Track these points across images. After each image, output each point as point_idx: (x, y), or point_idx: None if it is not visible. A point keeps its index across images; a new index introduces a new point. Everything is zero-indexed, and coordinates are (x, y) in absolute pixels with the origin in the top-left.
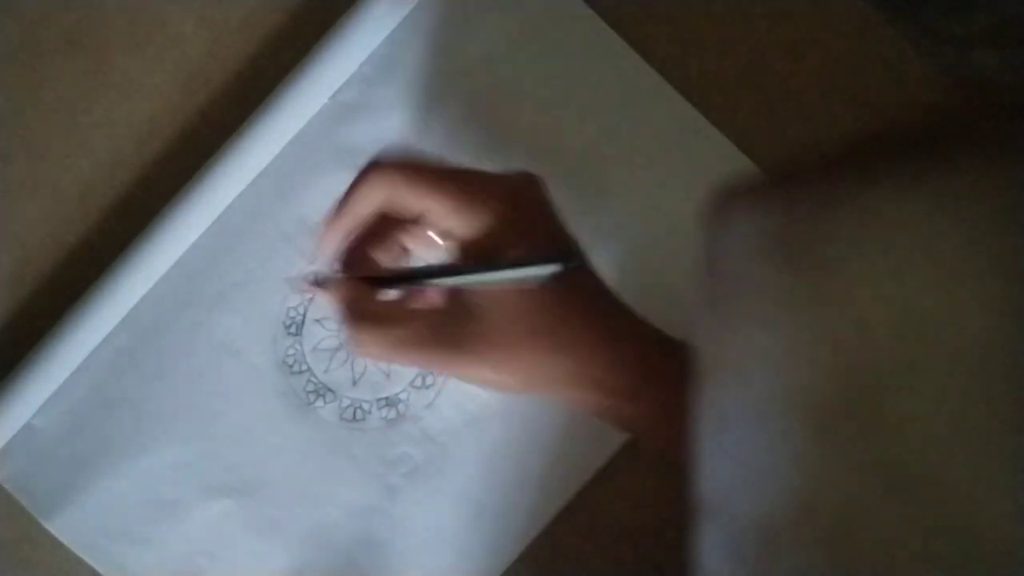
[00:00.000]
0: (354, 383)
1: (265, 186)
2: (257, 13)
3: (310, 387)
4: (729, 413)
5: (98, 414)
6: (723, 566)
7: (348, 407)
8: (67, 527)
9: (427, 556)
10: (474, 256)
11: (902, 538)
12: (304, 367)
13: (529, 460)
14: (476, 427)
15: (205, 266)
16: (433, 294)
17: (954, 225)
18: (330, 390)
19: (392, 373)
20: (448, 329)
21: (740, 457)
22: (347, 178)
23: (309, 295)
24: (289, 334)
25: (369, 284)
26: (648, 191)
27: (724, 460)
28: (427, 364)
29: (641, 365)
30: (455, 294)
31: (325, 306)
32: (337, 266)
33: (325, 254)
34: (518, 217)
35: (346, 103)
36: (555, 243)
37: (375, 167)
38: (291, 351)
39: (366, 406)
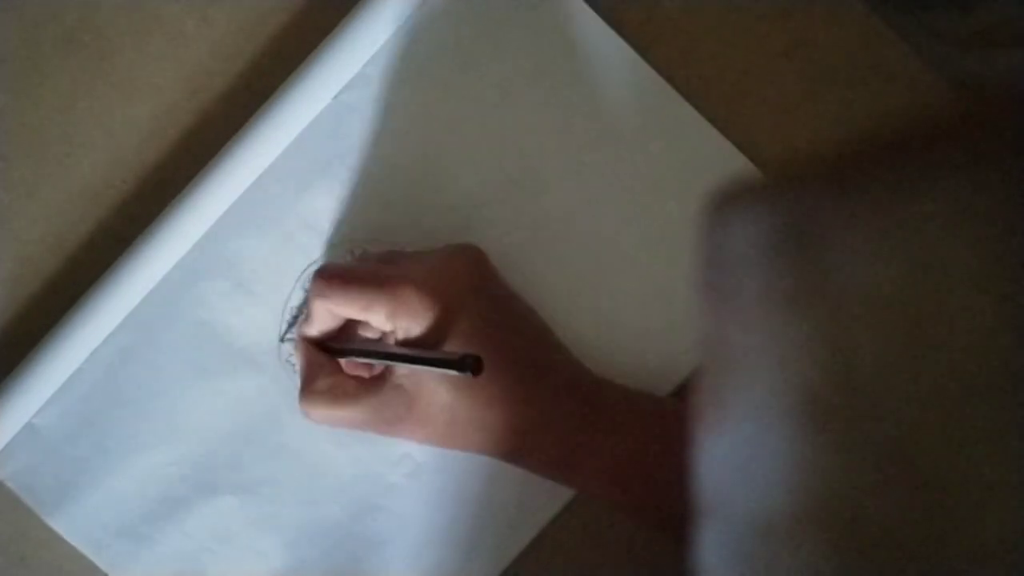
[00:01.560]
0: None
1: (267, 186)
2: (260, 13)
3: None
4: (729, 413)
5: (100, 413)
6: (723, 566)
7: None
8: (70, 525)
9: (428, 555)
10: (412, 344)
11: (903, 536)
12: None
13: None
14: None
15: (207, 266)
16: (379, 369)
17: (954, 225)
18: None
19: None
20: (384, 412)
21: (740, 456)
22: (348, 179)
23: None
24: (292, 334)
25: (327, 355)
26: (648, 191)
27: (724, 460)
28: (367, 433)
29: (565, 443)
30: (398, 376)
31: None
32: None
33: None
34: (444, 319)
35: (349, 104)
36: (459, 347)
37: (315, 282)
38: (294, 350)
39: None
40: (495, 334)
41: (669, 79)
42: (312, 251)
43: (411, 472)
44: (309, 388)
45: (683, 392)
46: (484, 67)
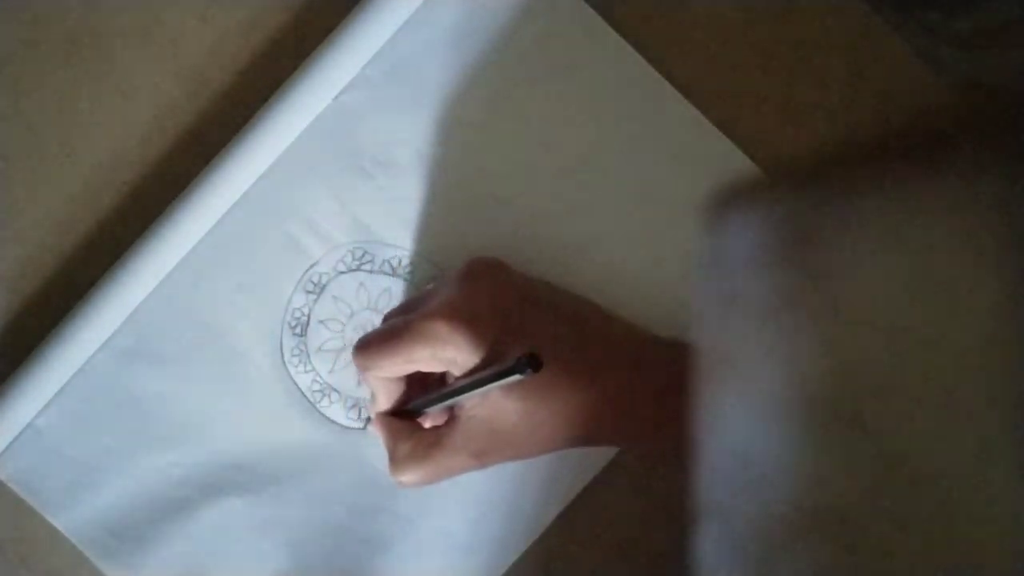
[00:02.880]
0: (359, 383)
1: (268, 187)
2: (260, 13)
3: (315, 387)
4: (729, 413)
5: (102, 414)
6: (723, 566)
7: (353, 407)
8: (72, 526)
9: (431, 556)
10: (472, 373)
11: (902, 538)
12: (309, 367)
13: (532, 461)
14: None
15: (209, 267)
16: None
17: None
18: (335, 390)
19: None
20: (470, 447)
21: (741, 456)
22: (350, 180)
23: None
24: (294, 335)
25: (405, 420)
26: (648, 191)
27: (725, 459)
28: (464, 473)
29: (642, 411)
30: (469, 409)
31: (329, 307)
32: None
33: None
34: (487, 337)
35: (350, 105)
36: (513, 354)
37: (356, 360)
38: (296, 351)
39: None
40: (539, 329)
41: (669, 78)
42: (313, 252)
43: None
44: (393, 459)
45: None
46: (484, 67)
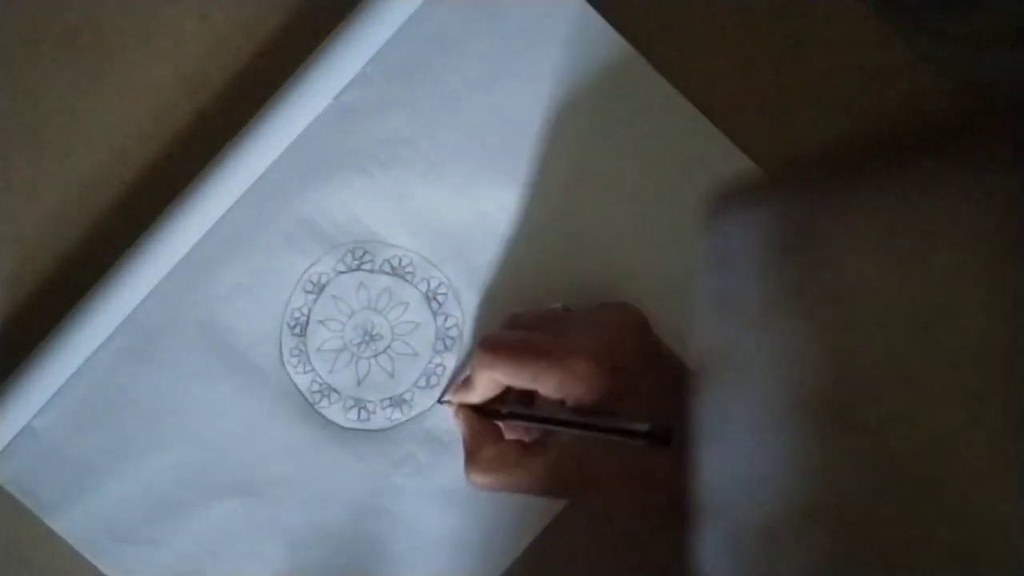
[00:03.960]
0: (359, 383)
1: (268, 187)
2: (260, 13)
3: (315, 387)
4: (729, 413)
5: (100, 415)
6: (723, 566)
7: (353, 407)
8: (71, 527)
9: (431, 555)
10: (584, 412)
11: (902, 538)
12: (309, 367)
13: None
14: None
15: (208, 267)
16: (537, 432)
17: (954, 225)
18: (335, 390)
19: (397, 374)
20: (552, 477)
21: (740, 457)
22: (350, 179)
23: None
24: (293, 335)
25: (489, 423)
26: (649, 190)
27: (724, 460)
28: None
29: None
30: (562, 440)
31: (329, 307)
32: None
33: (455, 421)
34: (615, 387)
35: (350, 104)
36: (647, 417)
37: (481, 354)
38: (295, 351)
39: (371, 406)
40: (662, 399)
41: (670, 78)
42: (313, 252)
43: (413, 473)
44: (475, 458)
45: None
46: (485, 66)
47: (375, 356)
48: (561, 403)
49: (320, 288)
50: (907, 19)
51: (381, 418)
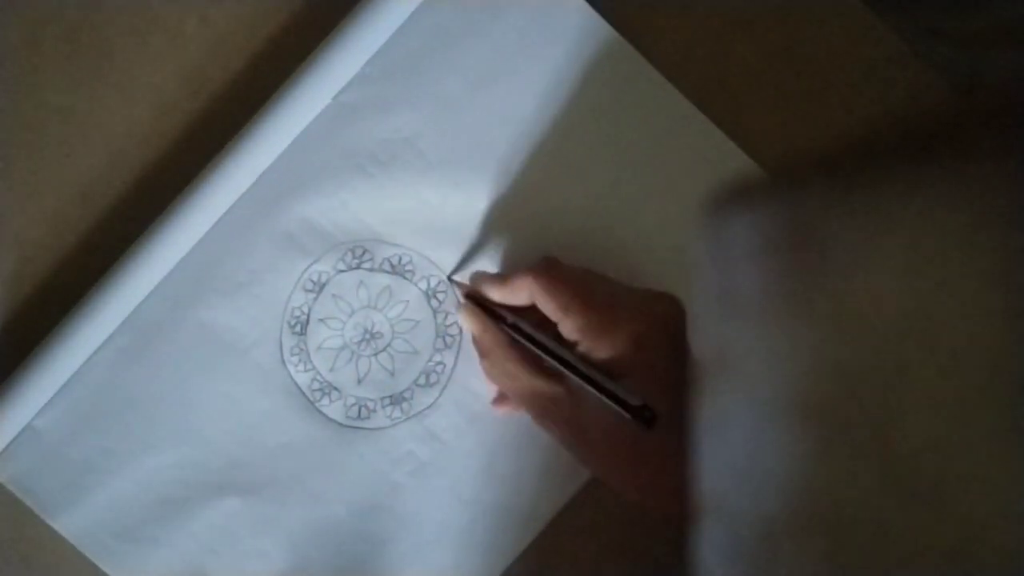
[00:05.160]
0: (359, 381)
1: (268, 187)
2: (259, 13)
3: (315, 386)
4: (729, 413)
5: (101, 414)
6: (723, 565)
7: (353, 405)
8: (72, 527)
9: (432, 553)
10: (592, 365)
11: (902, 538)
12: (309, 366)
13: (532, 458)
14: (480, 425)
15: (208, 266)
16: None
17: (954, 225)
18: (335, 388)
19: (397, 372)
20: (562, 404)
21: (740, 456)
22: (349, 178)
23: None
24: (294, 333)
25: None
26: (649, 190)
27: (724, 460)
28: (549, 430)
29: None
30: (576, 395)
31: (329, 306)
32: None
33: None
34: (637, 359)
35: (349, 104)
36: (658, 395)
37: (543, 268)
38: (296, 350)
39: (371, 404)
40: (674, 390)
41: (670, 77)
42: (312, 251)
43: (414, 471)
44: (492, 357)
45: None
46: (484, 66)
47: (375, 354)
48: (567, 345)
49: (320, 287)
50: (907, 19)
51: (381, 416)
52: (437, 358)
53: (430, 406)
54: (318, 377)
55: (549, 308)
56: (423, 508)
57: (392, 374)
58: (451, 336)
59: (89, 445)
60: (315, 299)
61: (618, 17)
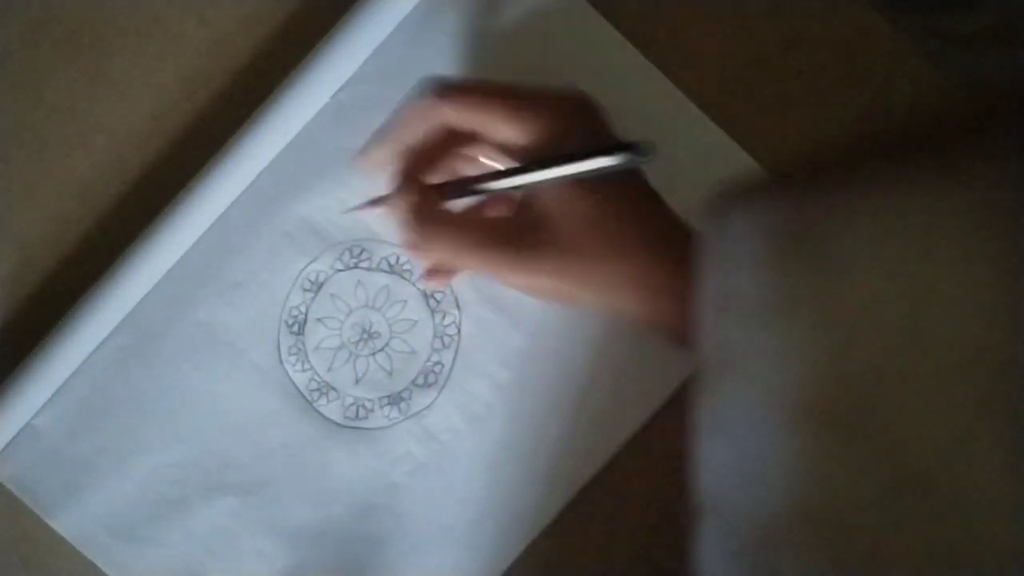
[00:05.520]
0: (357, 381)
1: (266, 185)
2: (258, 12)
3: (313, 385)
4: (729, 413)
5: (100, 414)
6: (723, 565)
7: (351, 405)
8: (71, 526)
9: (430, 554)
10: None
11: (902, 537)
12: (307, 366)
13: (531, 459)
14: (479, 426)
15: (207, 266)
16: (500, 204)
17: (953, 226)
18: (333, 388)
19: (395, 372)
20: (513, 236)
21: (740, 457)
22: (347, 177)
23: (369, 213)
24: (291, 333)
25: (433, 193)
26: None
27: (724, 460)
28: (489, 268)
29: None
30: (523, 204)
31: (327, 305)
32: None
33: (375, 172)
34: (572, 120)
35: (347, 103)
36: (614, 139)
37: (432, 91)
38: (293, 350)
39: (369, 404)
40: (629, 187)
41: (671, 77)
42: (311, 250)
43: (412, 471)
44: (421, 217)
45: (683, 392)
46: (482, 66)
47: (373, 354)
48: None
49: (318, 286)
50: (907, 19)
51: (379, 416)
52: (435, 358)
53: (428, 406)
54: (316, 377)
55: (475, 123)
56: (421, 508)
57: (390, 374)
58: (449, 336)
59: (88, 444)
60: (313, 299)
61: (619, 17)
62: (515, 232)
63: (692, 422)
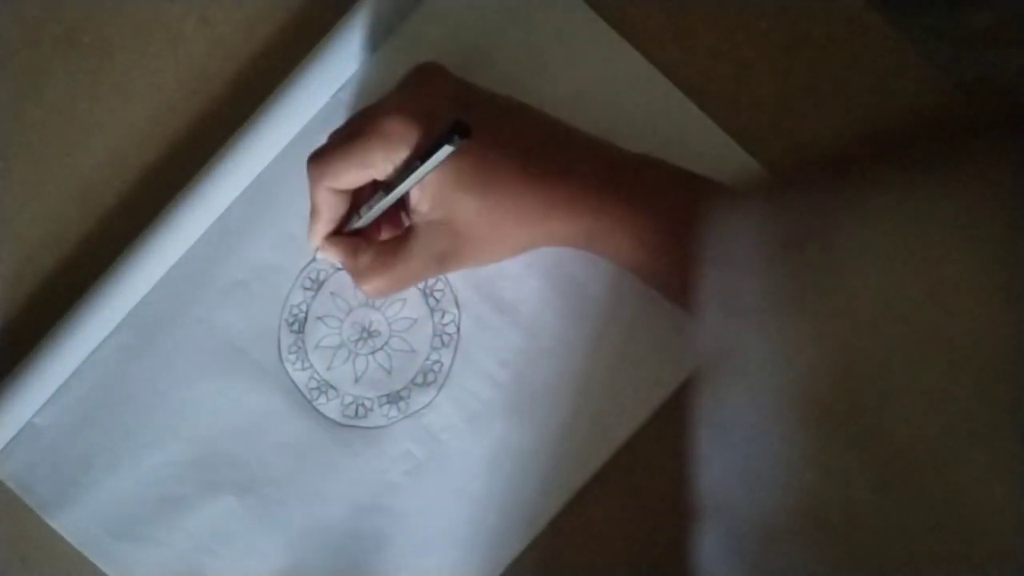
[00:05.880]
0: (356, 380)
1: (267, 185)
2: (258, 12)
3: (312, 384)
4: (730, 413)
5: (100, 412)
6: (723, 565)
7: (350, 404)
8: (70, 524)
9: (429, 553)
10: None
11: (902, 537)
12: (307, 364)
13: (530, 458)
14: (477, 425)
15: (207, 264)
16: (391, 226)
17: (954, 225)
18: (332, 387)
19: (394, 370)
20: (433, 250)
21: (741, 457)
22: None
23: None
24: (292, 331)
25: (354, 243)
26: None
27: (725, 460)
28: (428, 278)
29: (595, 213)
30: (424, 214)
31: (327, 304)
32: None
33: (324, 254)
34: (427, 126)
35: (347, 102)
36: (441, 125)
37: (311, 168)
38: (293, 348)
39: (368, 403)
40: (494, 123)
41: (671, 77)
42: (312, 250)
43: (411, 470)
44: (356, 270)
45: (683, 392)
46: (484, 66)
47: (373, 353)
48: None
49: (319, 285)
50: (907, 19)
51: (379, 415)
52: (434, 357)
53: (427, 405)
54: (315, 375)
55: (352, 178)
56: (420, 507)
57: (389, 373)
58: (448, 335)
59: (88, 443)
60: (313, 297)
61: (619, 18)
62: (425, 249)
63: (692, 422)
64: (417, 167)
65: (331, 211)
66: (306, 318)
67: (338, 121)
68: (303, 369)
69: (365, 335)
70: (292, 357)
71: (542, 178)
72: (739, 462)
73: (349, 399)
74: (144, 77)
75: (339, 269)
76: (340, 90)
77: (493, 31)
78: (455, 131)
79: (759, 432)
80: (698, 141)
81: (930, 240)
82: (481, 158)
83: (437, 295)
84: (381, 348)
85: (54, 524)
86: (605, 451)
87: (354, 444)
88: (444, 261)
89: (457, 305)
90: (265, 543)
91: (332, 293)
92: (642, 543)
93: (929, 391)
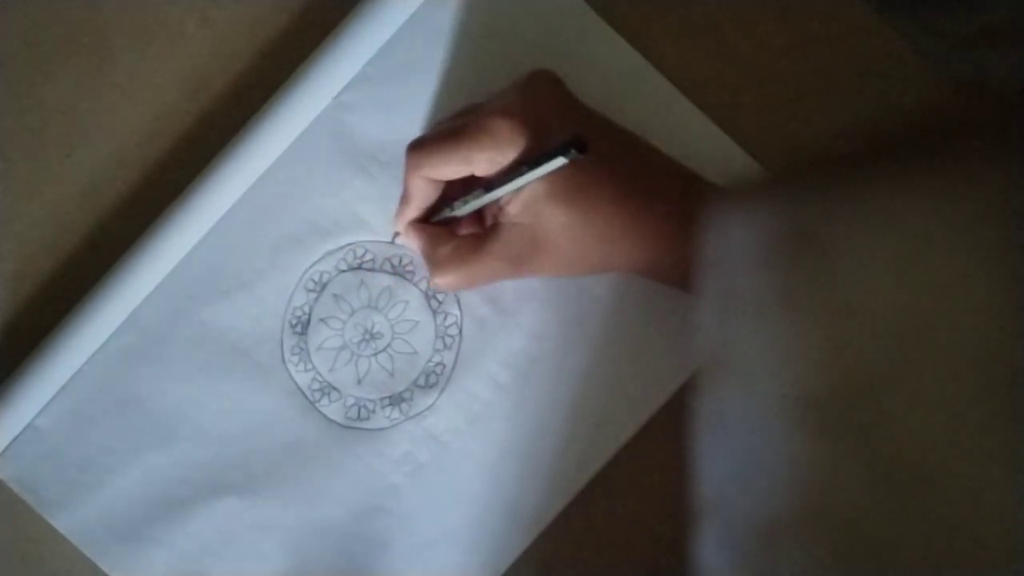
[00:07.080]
0: (359, 382)
1: (269, 186)
2: (260, 13)
3: (315, 386)
4: (730, 413)
5: (102, 413)
6: (724, 566)
7: (353, 406)
8: (72, 526)
9: (431, 555)
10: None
11: (902, 537)
12: (309, 366)
13: (532, 459)
14: (480, 426)
15: (210, 265)
16: (471, 223)
17: (953, 225)
18: (335, 389)
19: (396, 372)
20: (510, 252)
21: (741, 457)
22: (350, 178)
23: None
24: (295, 333)
25: (436, 232)
26: None
27: (725, 460)
28: (495, 282)
29: (671, 223)
30: (513, 215)
31: (330, 305)
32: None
33: (405, 239)
34: (543, 139)
35: (349, 104)
36: (559, 137)
37: (411, 156)
38: (296, 350)
39: (370, 405)
40: (594, 141)
41: (670, 77)
42: (314, 251)
43: (413, 471)
44: (434, 260)
45: (683, 393)
46: (484, 67)
47: (375, 355)
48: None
49: (322, 287)
50: (907, 19)
51: (381, 417)
52: (437, 359)
53: (429, 407)
54: (318, 377)
55: (451, 171)
56: (422, 509)
57: (392, 375)
58: (451, 337)
59: (90, 444)
60: (316, 299)
61: (618, 17)
62: (505, 250)
63: (692, 422)
64: (524, 172)
65: (422, 199)
66: (309, 320)
67: (341, 123)
68: (306, 371)
69: (368, 337)
70: (295, 359)
71: (631, 203)
72: (739, 462)
73: (351, 401)
74: (145, 78)
75: (343, 272)
76: (343, 91)
77: (494, 31)
78: (573, 145)
79: (759, 432)
80: (698, 141)
81: (930, 240)
82: (577, 173)
83: (439, 297)
84: (383, 350)
85: (56, 525)
86: (607, 452)
87: (356, 446)
88: (520, 265)
89: (459, 307)
90: (266, 544)
91: (335, 295)
92: (644, 544)
93: (929, 391)
